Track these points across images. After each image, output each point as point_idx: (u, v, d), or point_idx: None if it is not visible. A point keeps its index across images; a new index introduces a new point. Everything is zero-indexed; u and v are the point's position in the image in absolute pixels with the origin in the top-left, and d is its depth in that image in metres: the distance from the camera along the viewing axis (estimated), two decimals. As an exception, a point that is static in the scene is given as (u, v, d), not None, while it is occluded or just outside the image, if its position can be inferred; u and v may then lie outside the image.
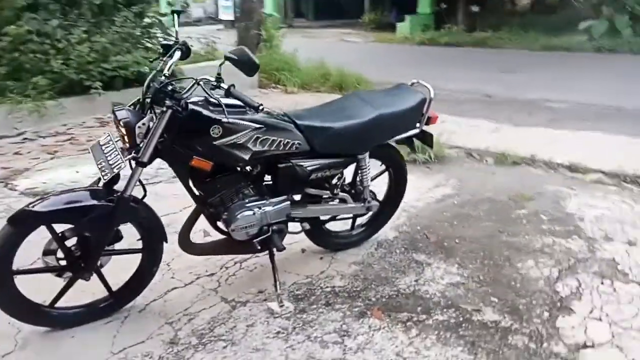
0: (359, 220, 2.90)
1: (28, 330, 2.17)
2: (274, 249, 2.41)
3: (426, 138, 2.73)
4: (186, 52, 2.13)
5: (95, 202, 1.99)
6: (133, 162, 1.97)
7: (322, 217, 2.69)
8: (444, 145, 4.35)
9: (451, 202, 3.51)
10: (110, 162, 1.94)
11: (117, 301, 2.28)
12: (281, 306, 2.32)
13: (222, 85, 1.97)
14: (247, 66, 1.99)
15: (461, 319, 2.26)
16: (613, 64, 9.36)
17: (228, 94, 1.95)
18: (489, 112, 5.77)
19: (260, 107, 1.96)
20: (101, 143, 2.06)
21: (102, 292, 2.24)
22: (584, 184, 3.73)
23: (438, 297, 2.42)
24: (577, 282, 2.50)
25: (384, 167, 2.85)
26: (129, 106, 2.04)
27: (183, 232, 2.33)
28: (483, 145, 4.44)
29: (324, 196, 2.56)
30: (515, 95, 6.71)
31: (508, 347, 2.07)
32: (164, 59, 2.10)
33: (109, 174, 1.92)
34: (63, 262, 2.10)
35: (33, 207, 1.95)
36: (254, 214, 2.25)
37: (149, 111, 2.00)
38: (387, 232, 3.02)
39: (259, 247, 2.37)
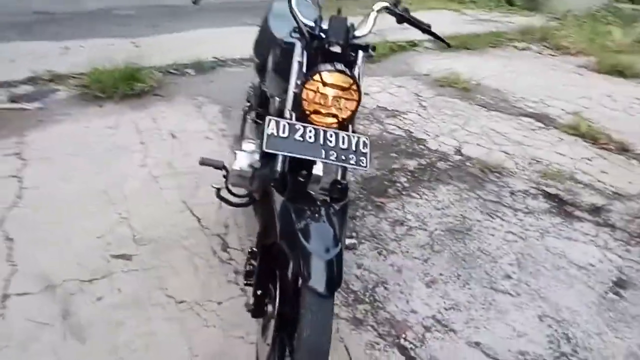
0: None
1: None
2: None
3: None
4: None
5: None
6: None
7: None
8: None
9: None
10: (345, 146, 1.42)
11: None
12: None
13: (397, 9, 1.67)
14: None
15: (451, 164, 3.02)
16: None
17: (405, 19, 1.69)
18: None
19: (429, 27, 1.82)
20: (274, 133, 1.38)
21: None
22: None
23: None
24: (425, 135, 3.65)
25: None
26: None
27: None
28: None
29: None
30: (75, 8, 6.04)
31: (469, 173, 3.08)
32: None
33: (362, 161, 1.40)
34: None
35: None
36: None
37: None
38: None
39: None
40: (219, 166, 2.36)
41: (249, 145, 2.06)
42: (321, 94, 1.41)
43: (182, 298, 1.98)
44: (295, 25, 1.50)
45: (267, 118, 1.39)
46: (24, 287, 1.95)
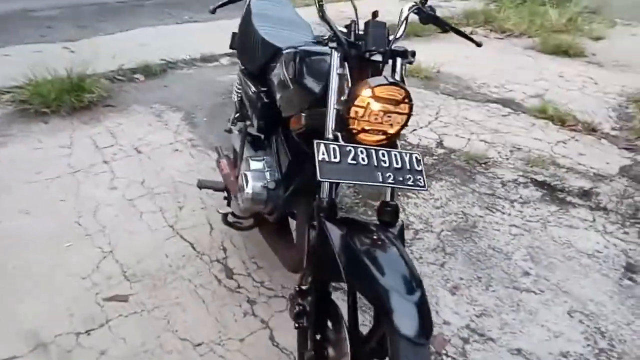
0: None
1: None
2: None
3: None
4: None
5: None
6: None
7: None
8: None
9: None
10: (399, 165, 1.29)
11: None
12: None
13: (425, 7, 1.54)
14: None
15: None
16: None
17: (431, 19, 1.57)
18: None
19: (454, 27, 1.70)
20: (325, 158, 1.24)
21: None
22: (226, 68, 4.37)
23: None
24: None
25: None
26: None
27: None
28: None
29: None
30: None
31: (456, 167, 3.05)
32: None
33: (419, 180, 1.31)
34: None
35: None
36: None
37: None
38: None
39: None
40: (220, 188, 2.16)
41: (256, 164, 1.89)
42: (371, 110, 1.28)
43: (198, 340, 1.78)
44: (331, 33, 1.34)
45: (316, 142, 1.23)
46: (9, 350, 1.68)
